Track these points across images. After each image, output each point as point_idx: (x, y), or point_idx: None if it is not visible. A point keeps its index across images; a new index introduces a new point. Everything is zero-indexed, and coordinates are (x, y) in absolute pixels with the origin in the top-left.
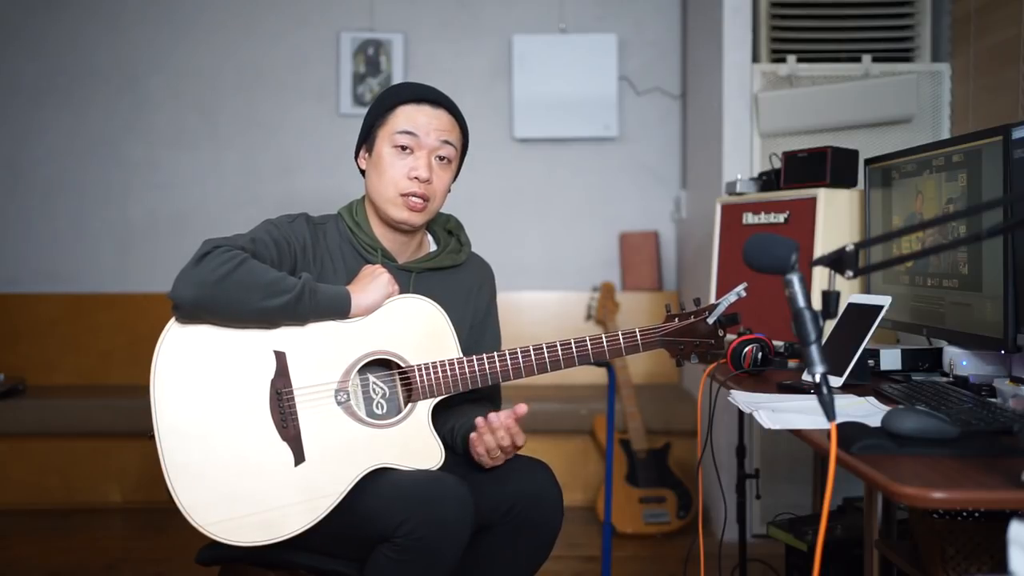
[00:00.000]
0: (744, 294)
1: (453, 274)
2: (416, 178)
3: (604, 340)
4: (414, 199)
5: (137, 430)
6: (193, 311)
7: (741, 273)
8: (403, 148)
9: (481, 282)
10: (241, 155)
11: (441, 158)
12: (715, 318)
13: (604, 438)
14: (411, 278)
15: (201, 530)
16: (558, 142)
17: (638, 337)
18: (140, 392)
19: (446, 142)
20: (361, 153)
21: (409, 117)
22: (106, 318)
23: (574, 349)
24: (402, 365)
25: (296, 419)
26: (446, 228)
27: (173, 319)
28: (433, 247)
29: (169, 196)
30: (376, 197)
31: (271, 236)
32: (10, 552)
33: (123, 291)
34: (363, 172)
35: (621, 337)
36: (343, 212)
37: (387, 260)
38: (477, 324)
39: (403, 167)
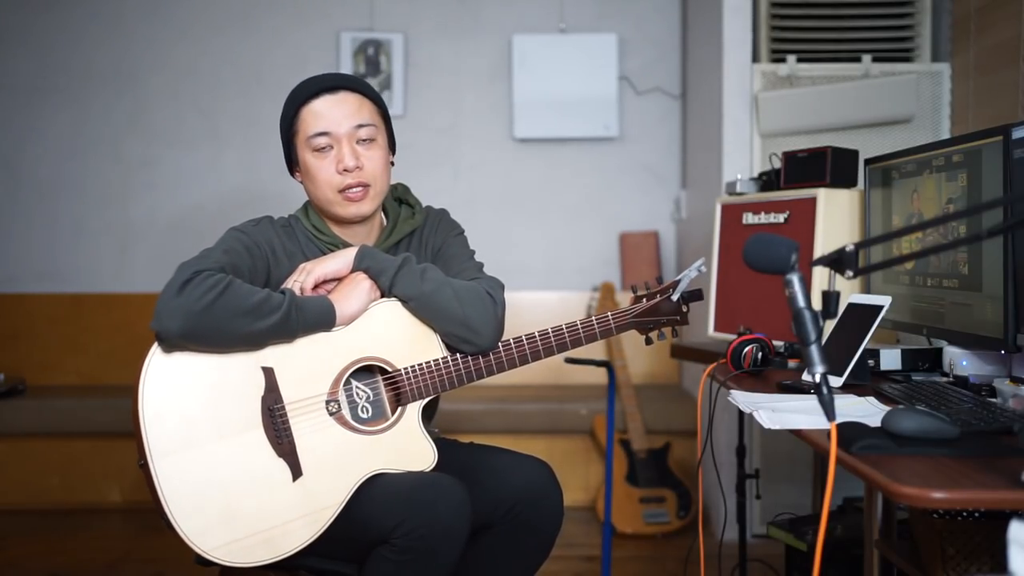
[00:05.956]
0: (704, 270)
1: (416, 237)
2: (345, 170)
3: (579, 326)
4: (352, 191)
5: None
6: (179, 342)
7: (741, 273)
8: (323, 148)
9: (433, 229)
10: (241, 155)
11: (362, 140)
12: (678, 295)
13: (604, 438)
14: None
15: (205, 555)
16: (558, 142)
17: (611, 321)
18: None
19: (360, 125)
20: (295, 170)
21: (315, 115)
22: (106, 318)
23: (552, 338)
24: (389, 370)
25: (290, 433)
26: (394, 197)
27: (156, 346)
28: (385, 222)
29: (169, 196)
30: (319, 203)
31: (242, 244)
32: (10, 552)
33: (123, 291)
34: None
35: (595, 322)
36: (299, 215)
37: None
38: (439, 258)
39: (329, 166)
